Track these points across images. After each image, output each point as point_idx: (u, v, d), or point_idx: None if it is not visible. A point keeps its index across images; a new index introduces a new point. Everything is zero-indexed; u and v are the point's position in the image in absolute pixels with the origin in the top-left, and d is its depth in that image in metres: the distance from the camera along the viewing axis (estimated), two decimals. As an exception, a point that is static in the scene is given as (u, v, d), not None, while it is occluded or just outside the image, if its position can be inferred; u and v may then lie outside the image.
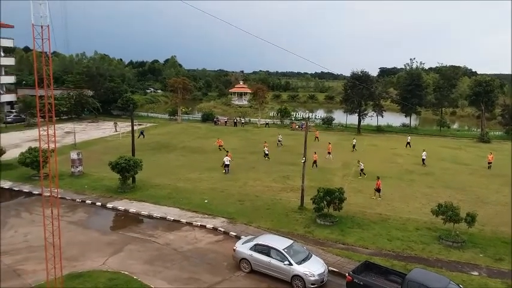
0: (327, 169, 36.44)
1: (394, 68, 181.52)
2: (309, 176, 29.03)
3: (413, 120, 76.86)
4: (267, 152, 40.31)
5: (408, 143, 49.65)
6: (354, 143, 47.61)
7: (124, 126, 55.20)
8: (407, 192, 30.36)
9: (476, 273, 18.07)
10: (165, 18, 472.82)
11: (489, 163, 38.89)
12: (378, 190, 28.23)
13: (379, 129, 66.05)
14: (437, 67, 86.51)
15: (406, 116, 73.41)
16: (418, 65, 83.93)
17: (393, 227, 23.09)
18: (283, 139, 49.09)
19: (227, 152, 37.09)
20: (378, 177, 29.16)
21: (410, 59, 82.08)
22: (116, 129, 55.10)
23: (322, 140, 50.23)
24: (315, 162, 36.29)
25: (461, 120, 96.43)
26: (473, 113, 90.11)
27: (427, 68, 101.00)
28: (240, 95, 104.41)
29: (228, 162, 34.49)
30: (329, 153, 41.12)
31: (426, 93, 73.46)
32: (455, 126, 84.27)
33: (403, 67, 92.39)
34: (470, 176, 36.16)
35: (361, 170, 34.34)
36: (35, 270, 17.12)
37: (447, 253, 19.87)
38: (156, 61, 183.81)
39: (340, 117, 75.90)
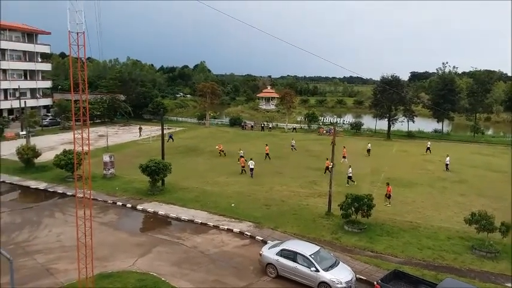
0: (355, 175, 35.86)
1: (426, 72, 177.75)
2: (336, 182, 28.74)
3: (445, 126, 74.76)
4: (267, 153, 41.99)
5: (428, 148, 48.56)
6: (368, 148, 46.80)
7: (154, 130, 56.35)
8: (438, 200, 29.52)
9: (510, 284, 17.34)
10: (195, 25, 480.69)
11: None
12: (389, 196, 27.48)
13: (409, 135, 64.58)
14: (470, 71, 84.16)
15: (438, 122, 71.54)
16: (451, 69, 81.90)
17: (424, 235, 22.48)
18: (311, 144, 48.81)
19: (241, 156, 36.92)
20: (388, 183, 28.46)
21: (443, 63, 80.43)
22: (140, 134, 55.55)
23: (339, 144, 49.68)
24: (327, 168, 35.45)
25: (496, 126, 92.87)
26: (509, 119, 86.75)
27: (460, 73, 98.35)
28: (268, 99, 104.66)
29: (252, 166, 34.78)
30: (344, 157, 40.72)
31: (459, 98, 71.39)
32: (489, 132, 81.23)
33: (435, 71, 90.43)
34: (506, 184, 34.74)
35: (349, 177, 32.99)
36: (66, 270, 17.66)
37: (480, 263, 19.18)
38: (186, 66, 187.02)
39: (369, 122, 74.76)
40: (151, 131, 56.89)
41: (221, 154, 42.76)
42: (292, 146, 48.23)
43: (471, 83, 75.50)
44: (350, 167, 33.92)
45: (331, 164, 26.43)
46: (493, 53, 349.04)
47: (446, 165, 38.81)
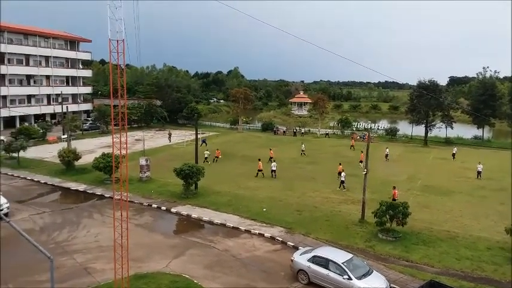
0: (391, 182, 35.08)
1: (465, 77, 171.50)
2: (370, 189, 28.18)
3: (486, 132, 71.85)
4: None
5: (453, 154, 47.60)
6: (386, 152, 45.59)
7: (188, 135, 57.30)
8: (477, 209, 28.40)
9: (557, 301, 16.44)
10: (229, 31, 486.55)
11: None
12: (393, 200, 26.44)
13: (447, 142, 62.42)
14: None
15: (478, 128, 68.88)
16: (492, 73, 78.73)
17: (462, 245, 21.68)
18: (344, 149, 48.06)
19: (258, 159, 36.93)
20: (394, 187, 27.74)
21: (484, 68, 77.32)
22: (169, 140, 55.32)
23: (359, 149, 49.18)
24: (340, 173, 34.54)
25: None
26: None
27: (501, 77, 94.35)
28: (300, 105, 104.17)
29: (274, 168, 35.93)
30: (361, 161, 39.93)
31: (501, 104, 68.49)
32: (533, 139, 77.27)
33: (475, 76, 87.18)
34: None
35: (342, 181, 32.40)
36: (103, 269, 18.22)
37: (523, 276, 18.29)
38: (220, 72, 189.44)
39: (405, 128, 72.86)
40: (185, 135, 57.90)
41: (215, 161, 42.04)
42: (302, 151, 47.53)
43: (514, 87, 72.29)
44: (343, 170, 33.69)
45: (365, 170, 25.97)
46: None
47: (479, 172, 37.41)
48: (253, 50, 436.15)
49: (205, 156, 41.27)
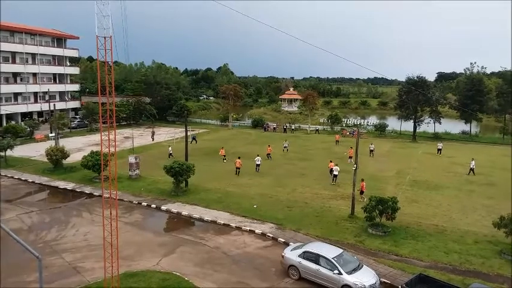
0: (380, 177, 35.42)
1: (453, 72, 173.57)
2: (360, 184, 28.38)
3: (473, 127, 72.80)
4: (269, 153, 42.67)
5: (439, 149, 48.07)
6: (371, 148, 45.78)
7: (178, 132, 57.02)
8: (466, 203, 28.78)
9: (543, 292, 16.75)
10: (218, 28, 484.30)
11: None
12: (361, 192, 26.66)
13: (436, 137, 63.09)
14: (500, 71, 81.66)
15: (466, 123, 69.78)
16: (479, 69, 79.76)
17: (450, 239, 21.97)
18: (334, 145, 48.31)
19: (238, 157, 36.64)
20: (362, 179, 27.88)
21: (471, 63, 78.46)
22: (153, 139, 53.87)
23: (346, 143, 49.78)
24: (331, 170, 34.90)
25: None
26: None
27: (489, 73, 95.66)
28: (290, 101, 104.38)
29: (258, 162, 36.60)
30: (350, 157, 40.26)
31: (488, 99, 69.46)
32: (520, 133, 78.51)
33: (463, 72, 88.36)
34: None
35: (335, 176, 32.77)
36: (93, 268, 18.08)
37: (509, 268, 18.56)
38: (209, 69, 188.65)
39: (394, 123, 73.55)
40: (175, 132, 57.62)
41: (225, 161, 41.56)
42: (284, 147, 47.47)
43: (500, 83, 73.28)
44: (337, 165, 33.93)
45: (355, 165, 26.16)
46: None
47: (472, 169, 37.39)
48: (243, 46, 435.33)
49: (170, 152, 41.56)
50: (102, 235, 14.69)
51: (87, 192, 30.18)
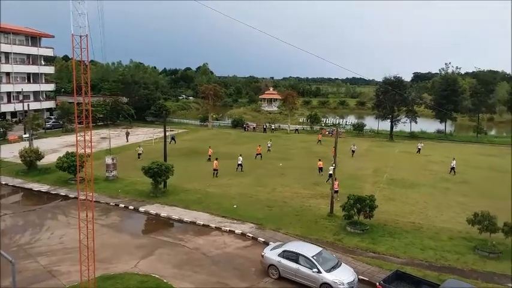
0: (358, 176, 35.90)
1: (429, 73, 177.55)
2: (338, 183, 28.69)
3: (448, 127, 74.61)
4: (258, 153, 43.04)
5: (419, 149, 48.64)
6: (353, 149, 45.87)
7: (157, 132, 56.41)
8: (441, 200, 29.46)
9: (513, 285, 17.29)
10: (197, 27, 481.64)
11: None
12: (336, 191, 26.99)
13: (412, 136, 64.44)
14: (474, 72, 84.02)
15: (441, 122, 71.48)
16: (454, 69, 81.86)
17: (426, 236, 22.44)
18: (314, 145, 48.77)
19: (216, 159, 36.24)
20: (335, 178, 27.75)
21: (446, 64, 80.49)
22: (127, 140, 52.97)
23: (327, 144, 50.53)
24: (320, 169, 35.83)
25: (500, 127, 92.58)
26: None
27: (463, 73, 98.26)
28: (270, 101, 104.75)
29: (240, 162, 36.62)
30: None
31: (462, 99, 71.31)
32: (492, 132, 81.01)
33: (438, 72, 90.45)
34: (509, 184, 34.57)
35: (330, 175, 32.53)
36: (69, 272, 17.70)
37: (483, 264, 19.12)
38: (189, 68, 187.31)
39: (371, 123, 74.69)
40: (153, 133, 57.00)
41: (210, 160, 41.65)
42: (268, 147, 47.42)
43: (474, 83, 75.37)
44: (333, 164, 34.03)
45: (333, 164, 26.44)
46: (497, 53, 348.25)
47: (452, 168, 37.91)
48: (223, 46, 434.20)
49: (139, 152, 41.15)
50: (78, 238, 14.40)
51: (62, 194, 29.55)
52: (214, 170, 34.63)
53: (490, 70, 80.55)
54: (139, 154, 41.18)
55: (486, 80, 71.14)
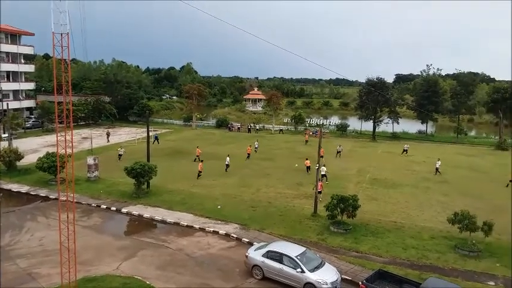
0: (341, 176, 36.20)
1: (411, 74, 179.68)
2: (322, 182, 28.88)
3: (429, 127, 75.86)
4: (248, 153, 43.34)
5: (405, 150, 48.74)
6: (339, 150, 45.83)
7: (140, 132, 55.84)
8: (422, 200, 29.94)
9: (492, 283, 17.68)
10: (181, 26, 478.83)
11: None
12: (319, 192, 27.09)
13: (394, 136, 65.33)
14: (454, 73, 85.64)
15: (422, 123, 72.64)
16: (435, 71, 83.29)
17: (408, 235, 22.77)
18: (298, 145, 48.96)
19: (201, 161, 36.23)
20: (320, 179, 27.94)
21: (427, 65, 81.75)
22: (108, 140, 51.95)
23: (312, 144, 50.97)
24: (308, 168, 36.44)
25: (479, 128, 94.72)
26: (492, 120, 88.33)
27: (444, 75, 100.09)
28: (255, 101, 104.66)
29: (227, 162, 36.72)
30: (322, 156, 41.02)
31: (443, 100, 72.61)
32: (472, 133, 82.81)
33: (420, 73, 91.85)
34: (488, 184, 35.45)
35: (323, 175, 33.33)
36: (49, 274, 17.38)
37: (463, 262, 19.50)
38: (172, 68, 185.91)
39: (354, 123, 75.50)
40: (136, 133, 56.38)
41: (196, 160, 40.86)
42: (255, 148, 47.28)
43: (454, 84, 76.81)
44: (324, 165, 34.45)
45: (317, 164, 26.61)
46: (477, 55, 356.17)
47: (437, 169, 38.32)
48: (207, 45, 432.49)
49: (120, 153, 40.64)
50: (58, 240, 14.14)
51: (42, 195, 29.00)
52: (199, 172, 34.24)
53: (470, 72, 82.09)
54: (119, 155, 40.54)
55: (466, 82, 72.49)
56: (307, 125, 75.40)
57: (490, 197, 30.99)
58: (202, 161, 35.79)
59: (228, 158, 37.40)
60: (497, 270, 18.80)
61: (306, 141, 55.01)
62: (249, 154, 43.13)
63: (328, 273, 16.85)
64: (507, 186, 33.71)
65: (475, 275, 18.37)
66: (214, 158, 42.36)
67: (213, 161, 40.74)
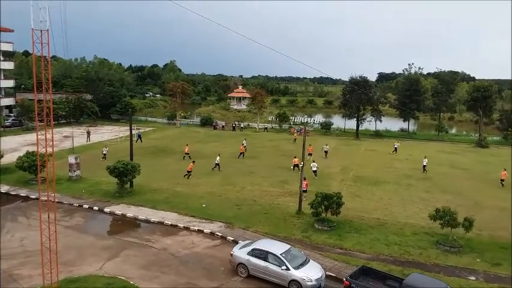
0: (325, 174, 36.45)
1: (393, 73, 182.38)
2: (307, 181, 29.01)
3: (411, 125, 77.02)
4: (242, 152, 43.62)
5: (396, 148, 48.79)
6: (325, 149, 44.88)
7: (123, 131, 55.16)
8: (404, 196, 30.37)
9: (473, 278, 18.05)
10: (165, 23, 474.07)
11: (502, 180, 34.30)
12: (305, 191, 27.33)
13: (377, 134, 66.17)
14: (435, 72, 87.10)
15: (404, 121, 73.62)
16: (417, 70, 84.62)
17: (391, 231, 23.07)
18: (283, 143, 49.07)
19: (193, 161, 35.50)
20: (305, 178, 27.71)
21: (409, 64, 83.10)
22: (88, 139, 51.10)
23: (299, 141, 50.42)
24: (295, 165, 36.64)
25: (459, 126, 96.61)
26: (471, 118, 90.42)
27: (425, 73, 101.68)
28: (239, 99, 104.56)
29: (217, 162, 36.59)
30: (310, 154, 41.43)
31: (424, 98, 73.75)
32: (453, 131, 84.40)
33: (402, 72, 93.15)
34: (468, 181, 36.19)
35: (314, 171, 34.44)
36: (30, 275, 17.05)
37: (444, 258, 19.86)
38: (156, 65, 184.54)
39: (338, 122, 76.09)
40: (119, 131, 55.70)
41: (185, 158, 41.01)
42: (244, 146, 46.46)
43: (436, 83, 78.14)
44: (313, 161, 35.14)
45: (302, 162, 26.73)
46: (457, 54, 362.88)
47: (424, 166, 38.70)
48: (191, 43, 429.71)
49: (104, 152, 40.03)
50: (39, 240, 13.87)
51: (22, 195, 28.43)
52: (188, 171, 33.53)
53: (451, 71, 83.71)
54: (104, 154, 39.95)
55: (447, 81, 73.87)
56: (292, 123, 75.71)
57: (470, 193, 31.64)
58: (194, 161, 35.13)
59: (218, 157, 37.12)
60: (478, 265, 19.21)
61: (295, 139, 54.87)
62: (242, 153, 43.00)
63: (312, 270, 16.95)
64: (502, 186, 33.82)
65: (456, 270, 18.72)
66: (199, 156, 42.11)
67: (197, 160, 40.51)
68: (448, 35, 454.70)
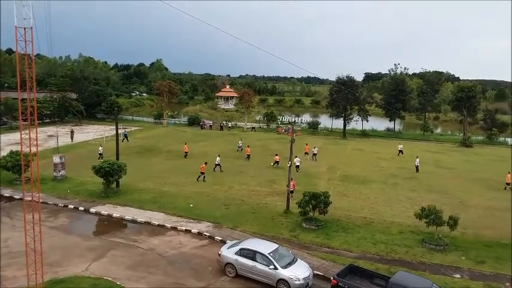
0: (313, 173, 36.62)
1: (379, 73, 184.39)
2: (294, 180, 29.11)
3: (397, 125, 77.86)
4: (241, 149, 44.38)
5: (400, 151, 47.38)
6: (314, 152, 43.79)
7: (108, 130, 54.59)
8: (391, 195, 30.68)
9: (458, 275, 18.32)
10: (151, 21, 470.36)
11: (507, 184, 33.33)
12: (292, 191, 27.31)
13: (364, 134, 66.72)
14: (421, 72, 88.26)
15: (390, 121, 74.40)
16: (403, 70, 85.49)
17: (377, 230, 23.28)
18: (271, 143, 49.11)
19: (205, 162, 34.97)
20: (292, 178, 27.60)
21: (395, 65, 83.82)
22: (72, 139, 50.01)
23: (283, 142, 51.37)
24: (276, 162, 37.45)
25: (444, 125, 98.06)
26: (456, 118, 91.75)
27: (411, 74, 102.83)
28: (227, 99, 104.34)
29: (217, 162, 36.23)
30: (306, 153, 41.51)
31: (410, 98, 74.62)
32: (438, 130, 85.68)
33: (388, 72, 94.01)
34: (453, 179, 36.73)
35: (297, 166, 35.48)
36: (15, 276, 16.74)
37: (430, 256, 20.11)
38: (142, 64, 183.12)
39: (325, 121, 76.50)
40: (104, 130, 55.07)
41: (186, 157, 40.99)
42: (239, 147, 46.83)
43: (421, 83, 79.15)
44: (296, 156, 35.33)
45: (289, 162, 26.79)
46: (442, 55, 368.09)
47: (417, 167, 38.79)
48: (177, 42, 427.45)
49: (100, 152, 39.34)
50: (24, 241, 13.63)
51: (6, 195, 27.92)
52: (202, 173, 32.73)
53: (436, 71, 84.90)
54: (100, 154, 38.80)
55: (432, 81, 74.89)
56: (279, 122, 75.85)
57: (455, 192, 32.13)
58: (206, 162, 33.92)
59: (218, 158, 36.59)
60: (463, 263, 19.49)
61: (278, 133, 54.81)
62: (248, 155, 42.02)
63: (300, 269, 17.00)
64: (505, 189, 33.31)
65: (441, 268, 18.97)
66: (188, 156, 41.96)
67: (184, 159, 40.39)
68: (430, 36, 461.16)
